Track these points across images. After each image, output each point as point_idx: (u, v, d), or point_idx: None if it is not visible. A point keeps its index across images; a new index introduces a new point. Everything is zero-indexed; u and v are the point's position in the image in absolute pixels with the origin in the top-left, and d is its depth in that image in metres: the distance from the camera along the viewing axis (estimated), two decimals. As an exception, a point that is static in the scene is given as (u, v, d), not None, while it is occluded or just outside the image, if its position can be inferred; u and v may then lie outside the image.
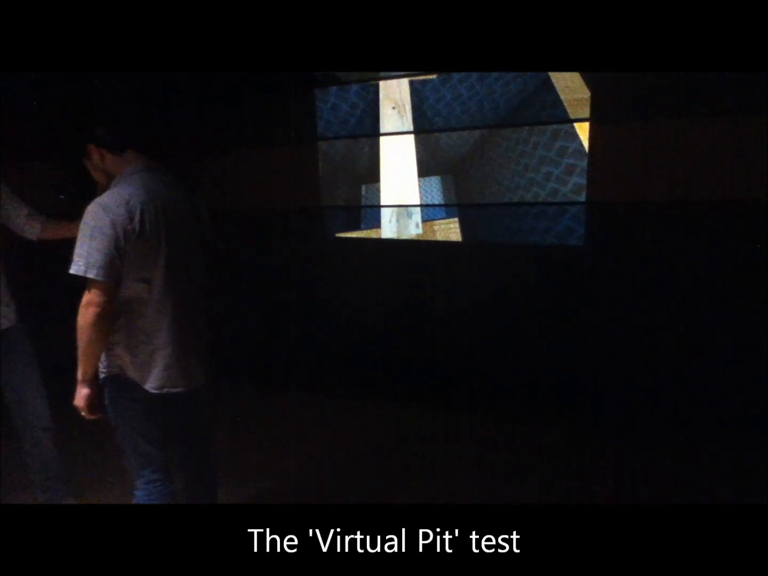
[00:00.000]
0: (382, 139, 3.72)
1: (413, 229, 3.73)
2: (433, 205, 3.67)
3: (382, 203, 3.80)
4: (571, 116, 3.16)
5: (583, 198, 3.20)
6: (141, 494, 1.80)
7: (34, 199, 2.30)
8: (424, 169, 3.64)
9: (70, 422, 1.75)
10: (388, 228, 3.80)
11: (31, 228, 2.24)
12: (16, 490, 2.54)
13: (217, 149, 4.11)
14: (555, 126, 3.20)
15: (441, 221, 3.66)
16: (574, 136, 3.15)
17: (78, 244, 1.55)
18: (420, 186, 3.67)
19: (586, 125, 3.13)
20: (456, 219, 3.61)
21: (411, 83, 3.56)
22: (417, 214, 3.71)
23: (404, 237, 3.77)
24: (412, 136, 3.63)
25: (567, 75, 3.15)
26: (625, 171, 3.04)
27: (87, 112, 1.65)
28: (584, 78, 3.11)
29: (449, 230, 3.63)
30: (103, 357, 1.68)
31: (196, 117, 4.06)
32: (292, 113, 3.84)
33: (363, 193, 3.83)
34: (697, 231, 2.97)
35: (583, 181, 3.17)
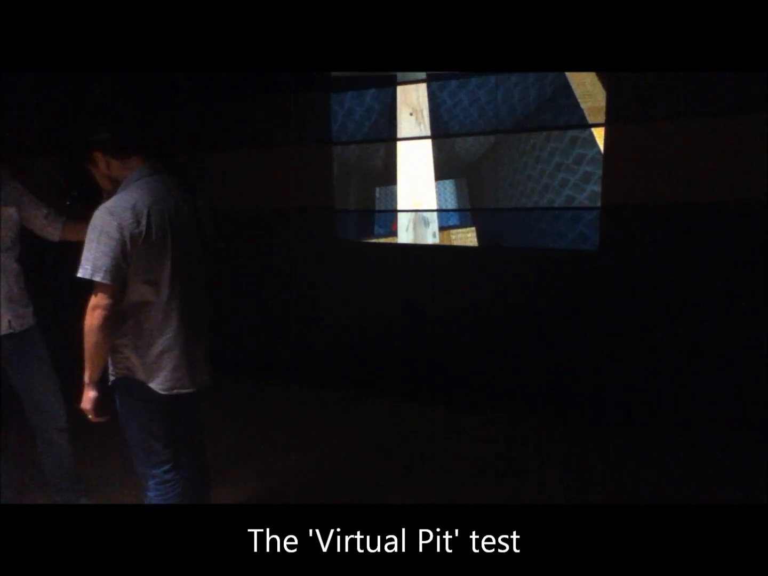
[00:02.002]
0: (399, 142, 3.71)
1: (430, 237, 3.72)
2: (446, 210, 3.64)
3: (398, 207, 3.78)
4: (589, 120, 3.14)
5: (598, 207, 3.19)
6: (153, 494, 1.82)
7: (45, 197, 2.30)
8: (439, 172, 3.64)
9: (84, 422, 1.76)
10: (405, 236, 3.79)
11: (52, 229, 2.25)
12: (30, 490, 2.54)
13: (222, 148, 4.11)
14: (573, 132, 3.18)
15: (459, 230, 3.65)
16: (593, 144, 3.13)
17: (85, 248, 1.57)
18: (436, 187, 3.65)
19: (602, 131, 3.11)
20: (473, 228, 3.60)
21: (428, 87, 3.54)
22: (434, 223, 3.70)
23: (418, 249, 3.76)
24: (428, 141, 3.63)
25: (587, 81, 3.12)
26: (641, 173, 3.03)
27: (90, 119, 1.66)
28: (600, 79, 3.08)
29: (466, 239, 3.63)
30: (111, 359, 1.71)
31: (202, 116, 4.06)
32: (296, 113, 3.84)
33: (377, 195, 3.82)
34: (713, 233, 2.95)
35: (599, 189, 3.16)
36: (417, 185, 3.72)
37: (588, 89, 3.14)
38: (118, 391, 1.74)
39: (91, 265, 1.55)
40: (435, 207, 3.69)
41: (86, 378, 1.66)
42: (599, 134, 3.14)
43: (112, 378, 1.73)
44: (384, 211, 3.83)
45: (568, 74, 3.18)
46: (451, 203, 3.65)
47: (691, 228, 2.99)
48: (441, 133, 3.57)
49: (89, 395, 1.67)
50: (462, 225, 3.64)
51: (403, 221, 3.78)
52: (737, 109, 2.78)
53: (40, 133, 3.80)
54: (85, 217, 1.61)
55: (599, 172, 3.14)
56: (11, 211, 2.16)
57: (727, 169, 2.83)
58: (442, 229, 3.69)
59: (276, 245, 4.10)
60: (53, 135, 3.36)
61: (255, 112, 3.97)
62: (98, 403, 1.69)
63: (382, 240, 3.87)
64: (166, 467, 1.80)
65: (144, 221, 1.58)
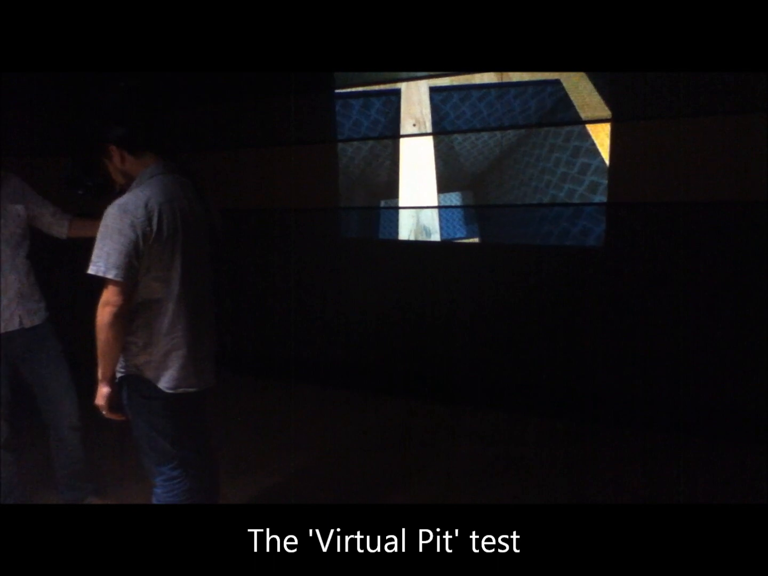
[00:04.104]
0: (401, 155, 3.77)
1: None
2: (450, 207, 3.67)
3: (400, 219, 3.83)
4: (591, 134, 3.18)
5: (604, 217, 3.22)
6: (160, 491, 1.82)
7: (50, 195, 2.31)
8: (444, 185, 3.69)
9: (97, 421, 1.77)
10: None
11: (59, 227, 2.26)
12: (40, 488, 2.55)
13: (226, 148, 4.12)
14: (576, 143, 3.21)
15: (461, 240, 3.69)
16: (596, 153, 3.17)
17: (97, 245, 1.58)
18: (439, 201, 3.71)
19: (607, 144, 3.13)
20: (476, 239, 3.63)
21: (431, 100, 3.60)
22: (436, 234, 3.73)
23: (419, 256, 3.79)
24: (432, 153, 3.68)
25: (585, 93, 3.15)
26: (645, 171, 3.02)
27: (109, 113, 1.67)
28: (597, 89, 3.12)
29: (467, 248, 3.65)
30: (120, 357, 1.71)
31: (207, 117, 4.08)
32: (301, 113, 3.85)
33: (381, 207, 3.92)
34: (718, 231, 2.94)
35: (605, 199, 3.19)
36: (419, 196, 3.75)
37: (586, 100, 3.16)
38: (126, 389, 1.75)
39: (103, 262, 1.56)
40: (438, 218, 3.73)
41: (99, 375, 1.68)
42: (601, 144, 3.15)
43: (119, 375, 1.74)
44: (389, 208, 3.86)
45: (565, 85, 3.21)
46: (457, 215, 3.69)
47: (696, 226, 2.98)
48: (444, 145, 3.62)
49: (103, 392, 1.69)
50: (465, 236, 3.67)
51: (404, 232, 3.82)
52: (742, 108, 2.77)
53: (54, 127, 3.82)
54: (95, 211, 1.61)
55: (604, 181, 3.16)
56: (18, 208, 2.17)
57: (732, 167, 2.83)
58: (444, 239, 3.72)
59: (281, 244, 4.10)
60: (67, 129, 3.39)
61: (260, 113, 3.97)
62: (112, 400, 1.71)
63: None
64: (173, 464, 1.81)
65: (156, 219, 1.59)
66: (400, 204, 3.81)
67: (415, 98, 3.65)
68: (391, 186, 3.83)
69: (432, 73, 3.53)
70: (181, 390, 1.74)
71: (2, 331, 2.15)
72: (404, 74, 3.61)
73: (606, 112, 3.12)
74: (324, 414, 3.52)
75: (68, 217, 2.27)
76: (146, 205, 1.58)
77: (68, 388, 2.31)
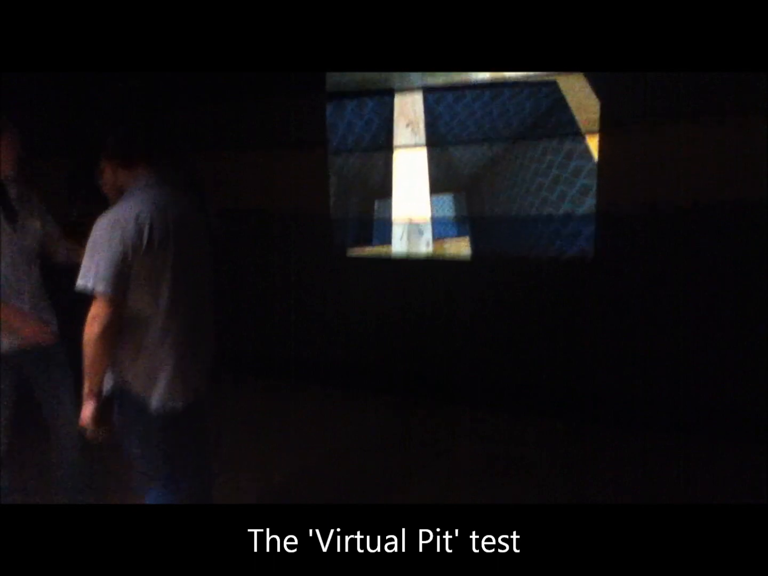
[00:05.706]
0: (395, 155, 3.77)
1: (423, 247, 3.76)
2: (443, 217, 3.67)
3: (393, 218, 3.84)
4: (585, 135, 3.18)
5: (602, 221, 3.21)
6: (150, 502, 1.80)
7: (48, 196, 2.32)
8: (437, 186, 3.68)
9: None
10: (399, 245, 3.83)
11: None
12: (42, 488, 2.55)
13: (223, 147, 4.11)
14: (570, 145, 3.21)
15: (452, 239, 3.69)
16: (589, 157, 3.17)
17: (86, 257, 1.55)
18: (432, 203, 3.71)
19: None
20: (467, 237, 3.62)
21: (425, 100, 3.60)
22: (428, 232, 3.73)
23: (414, 254, 3.78)
24: (425, 153, 3.68)
25: (581, 94, 3.14)
26: (634, 176, 3.03)
27: (106, 122, 1.67)
28: (594, 85, 3.11)
29: (460, 248, 3.67)
30: (108, 371, 1.68)
31: (194, 119, 4.06)
32: (294, 115, 3.85)
33: (375, 207, 3.89)
34: (711, 236, 2.94)
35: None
36: (413, 196, 3.75)
37: (582, 102, 3.15)
38: (116, 402, 1.71)
39: (92, 276, 1.52)
40: (430, 217, 3.74)
41: (85, 389, 1.64)
42: (595, 146, 3.14)
43: (107, 388, 1.70)
44: (379, 218, 3.85)
45: (562, 87, 3.20)
46: (447, 215, 3.68)
47: (695, 226, 2.97)
48: (438, 146, 3.61)
49: (89, 407, 1.64)
50: (456, 235, 3.67)
51: (397, 231, 3.82)
52: (734, 110, 2.77)
53: (54, 128, 3.81)
54: (94, 212, 1.60)
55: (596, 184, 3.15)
56: (36, 225, 2.20)
57: (724, 170, 2.83)
58: (436, 238, 3.72)
59: (281, 244, 4.09)
60: (67, 130, 3.39)
61: (248, 115, 3.96)
62: (98, 416, 1.66)
63: (377, 247, 3.90)
64: (165, 480, 1.78)
65: (147, 233, 1.56)
66: (394, 204, 3.79)
67: (409, 98, 3.66)
68: (384, 185, 3.82)
69: (426, 72, 3.52)
70: (168, 405, 1.69)
71: (18, 343, 2.15)
72: (397, 73, 3.61)
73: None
74: (324, 414, 3.52)
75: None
76: (137, 218, 1.55)
77: (70, 392, 2.31)
